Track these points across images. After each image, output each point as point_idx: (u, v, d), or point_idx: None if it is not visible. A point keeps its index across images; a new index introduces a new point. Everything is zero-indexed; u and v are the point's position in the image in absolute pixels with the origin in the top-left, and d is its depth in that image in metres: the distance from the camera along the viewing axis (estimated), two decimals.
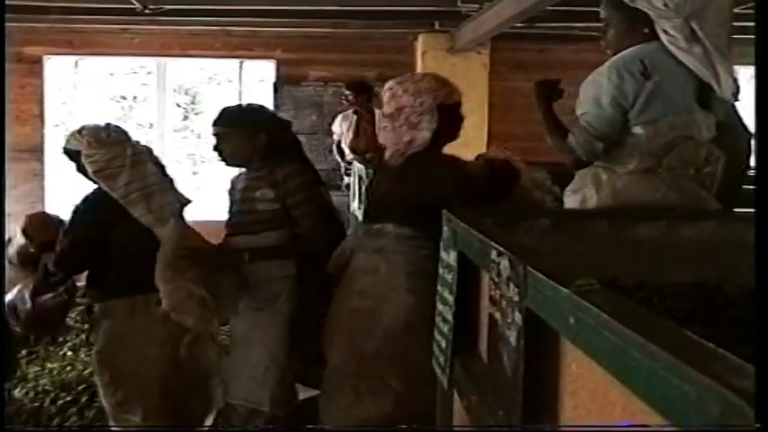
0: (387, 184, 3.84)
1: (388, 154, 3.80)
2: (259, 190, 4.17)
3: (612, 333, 1.19)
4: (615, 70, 3.40)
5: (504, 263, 1.82)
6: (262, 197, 4.16)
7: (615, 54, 3.49)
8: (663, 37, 3.40)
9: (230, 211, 4.35)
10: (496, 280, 1.89)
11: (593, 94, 3.45)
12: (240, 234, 4.24)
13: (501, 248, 1.88)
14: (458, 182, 3.66)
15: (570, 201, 3.60)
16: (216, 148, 4.26)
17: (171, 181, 4.41)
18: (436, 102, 3.78)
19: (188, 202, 4.40)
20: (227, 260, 4.18)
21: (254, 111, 4.36)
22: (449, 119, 3.83)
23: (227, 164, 4.31)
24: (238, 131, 4.21)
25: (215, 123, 4.25)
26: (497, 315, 1.86)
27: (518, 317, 1.69)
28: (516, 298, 1.71)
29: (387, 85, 3.87)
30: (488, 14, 8.25)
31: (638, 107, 3.38)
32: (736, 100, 3.53)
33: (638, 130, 3.43)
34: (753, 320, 2.27)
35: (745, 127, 3.78)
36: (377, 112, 4.12)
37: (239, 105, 4.43)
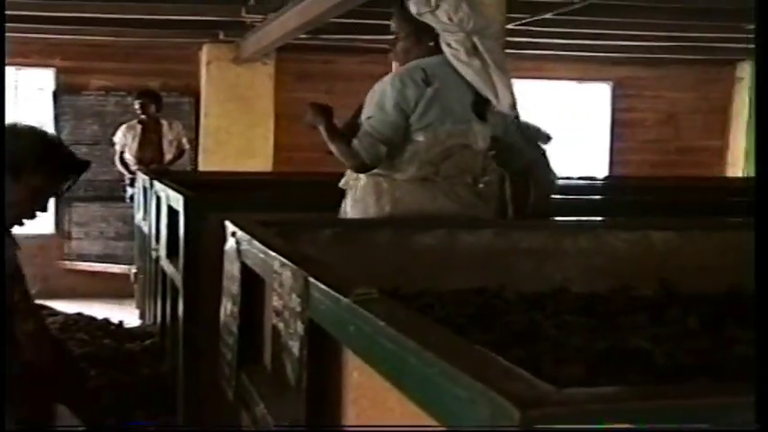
0: None
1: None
2: None
3: (390, 341, 1.21)
4: (398, 78, 3.52)
5: (287, 273, 1.82)
6: None
7: (403, 65, 3.60)
8: (446, 50, 3.54)
9: None
10: (279, 291, 1.89)
11: (377, 100, 3.54)
12: None
13: (283, 259, 1.88)
14: None
15: (353, 211, 3.65)
16: None
17: None
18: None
19: None
20: None
21: None
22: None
23: None
24: None
25: None
26: (281, 326, 1.86)
27: (300, 327, 1.69)
28: (299, 308, 1.71)
29: None
30: (273, 25, 8.25)
31: (418, 112, 3.49)
32: (514, 112, 3.67)
33: (418, 137, 3.52)
34: (529, 324, 2.36)
35: (521, 149, 3.92)
36: None
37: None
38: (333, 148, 3.66)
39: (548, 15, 7.68)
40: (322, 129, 3.69)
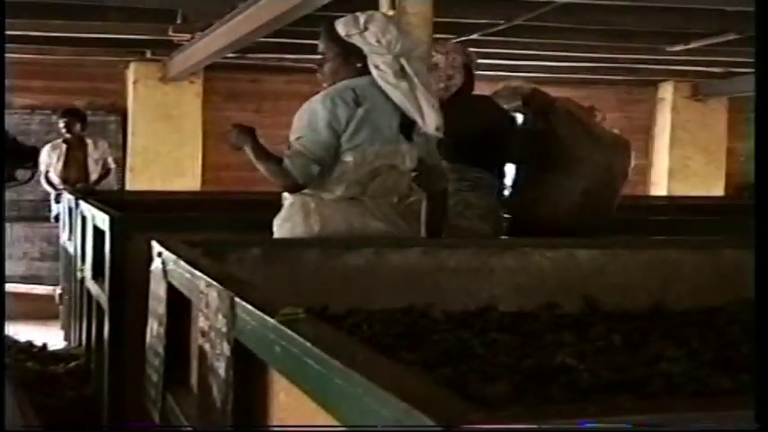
0: None
1: None
2: None
3: (316, 361, 1.21)
4: (329, 98, 3.53)
5: (213, 294, 1.81)
6: None
7: (331, 86, 3.61)
8: (374, 71, 3.56)
9: None
10: (206, 311, 1.87)
11: (307, 120, 3.55)
12: None
13: (209, 279, 1.87)
14: (497, 111, 4.52)
15: (281, 231, 3.64)
16: None
17: None
18: (464, 59, 4.50)
19: None
20: None
21: None
22: (469, 74, 4.51)
23: None
24: None
25: None
26: (207, 346, 1.85)
27: (226, 348, 1.68)
28: (225, 329, 1.70)
29: None
30: (201, 44, 8.22)
31: (349, 132, 3.50)
32: (441, 133, 3.69)
33: (346, 157, 3.53)
34: (456, 343, 2.37)
35: (443, 171, 3.96)
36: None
37: None
38: (262, 167, 3.65)
39: (474, 36, 7.75)
40: (248, 149, 3.68)
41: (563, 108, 4.74)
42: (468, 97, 4.59)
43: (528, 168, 4.65)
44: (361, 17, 3.58)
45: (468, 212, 4.34)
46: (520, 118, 4.60)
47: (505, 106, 4.65)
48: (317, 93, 3.65)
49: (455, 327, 2.58)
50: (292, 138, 3.58)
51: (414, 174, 3.71)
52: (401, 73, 3.55)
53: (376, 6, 4.31)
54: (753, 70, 10.86)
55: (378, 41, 3.53)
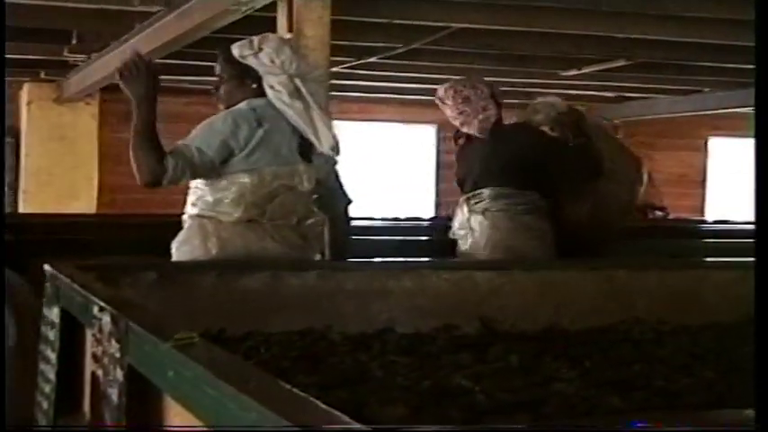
0: (477, 156, 4.61)
1: (476, 130, 4.58)
2: None
3: (209, 386, 1.20)
4: (231, 117, 3.54)
5: (106, 318, 1.78)
6: None
7: (228, 107, 3.61)
8: (269, 92, 3.57)
9: None
10: (99, 336, 1.84)
11: (204, 133, 3.55)
12: None
13: (102, 303, 1.84)
14: (536, 136, 4.67)
15: (179, 253, 3.61)
16: None
17: None
18: (490, 90, 4.65)
19: None
20: None
21: None
22: (497, 104, 4.65)
23: None
24: None
25: None
26: (100, 372, 1.81)
27: (119, 373, 1.65)
28: (118, 354, 1.68)
29: (444, 87, 4.67)
30: (96, 65, 8.10)
31: (246, 152, 3.50)
32: (337, 153, 3.70)
33: (243, 178, 3.52)
34: (354, 366, 2.37)
35: (344, 192, 3.98)
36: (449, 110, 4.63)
37: None
38: (137, 146, 3.57)
39: (372, 60, 7.79)
40: (139, 117, 3.61)
41: (594, 122, 5.00)
42: (508, 125, 4.83)
43: (574, 183, 4.69)
44: (256, 39, 3.59)
45: (527, 235, 4.48)
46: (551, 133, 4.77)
47: (540, 119, 4.80)
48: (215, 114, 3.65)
49: (353, 349, 2.59)
50: (183, 141, 3.55)
51: (315, 195, 3.71)
52: (296, 93, 3.57)
53: (274, 29, 4.32)
54: (643, 95, 11.12)
55: (272, 62, 3.54)
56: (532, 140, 4.65)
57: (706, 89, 10.13)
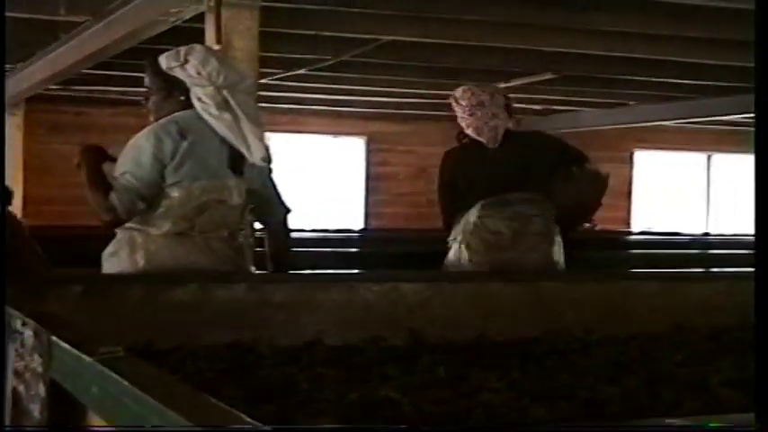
0: (496, 162, 4.61)
1: (485, 139, 4.63)
2: None
3: (133, 401, 1.19)
4: (153, 132, 3.50)
5: (28, 333, 1.76)
6: None
7: (157, 119, 3.58)
8: (196, 104, 3.54)
9: None
10: (21, 351, 1.81)
11: (133, 155, 3.50)
12: None
13: (25, 317, 1.81)
14: (555, 142, 4.95)
15: (107, 265, 3.57)
16: None
17: None
18: (504, 100, 4.73)
19: None
20: None
21: None
22: (509, 112, 4.74)
23: None
24: None
25: None
26: (21, 388, 1.78)
27: (42, 389, 1.63)
28: (40, 369, 1.65)
29: (462, 89, 4.71)
30: (21, 75, 7.99)
31: (173, 165, 3.47)
32: (268, 164, 3.68)
33: (172, 192, 3.49)
34: (282, 378, 2.36)
35: (282, 201, 3.94)
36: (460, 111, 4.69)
37: None
38: (89, 195, 3.57)
39: (301, 71, 7.79)
40: (84, 172, 3.60)
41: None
42: (524, 132, 5.14)
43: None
44: (183, 50, 3.56)
45: (557, 240, 4.68)
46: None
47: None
48: (145, 125, 3.61)
49: (281, 362, 2.58)
50: (117, 173, 3.52)
51: (250, 206, 3.69)
52: (224, 105, 3.54)
53: (202, 41, 4.30)
54: (569, 108, 11.26)
55: (198, 73, 3.51)
56: (549, 143, 4.91)
57: (631, 102, 10.30)
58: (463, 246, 4.57)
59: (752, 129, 12.83)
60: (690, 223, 12.92)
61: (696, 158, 13.88)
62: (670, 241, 8.65)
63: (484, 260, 4.53)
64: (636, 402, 2.18)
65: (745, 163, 13.86)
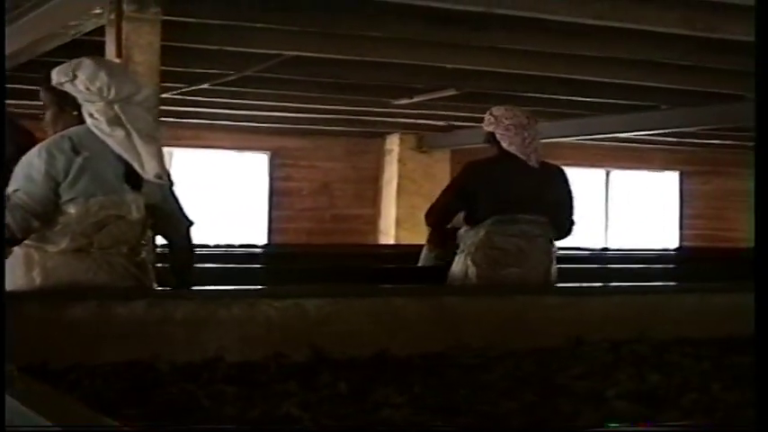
0: (530, 184, 4.84)
1: (527, 158, 4.82)
2: None
3: (25, 421, 1.16)
4: (45, 149, 3.44)
5: None
6: None
7: (52, 134, 3.52)
8: (88, 120, 3.49)
9: None
10: None
11: (24, 173, 3.43)
12: None
13: None
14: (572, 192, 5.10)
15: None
16: None
17: None
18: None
19: None
20: None
21: None
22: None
23: None
24: None
25: None
26: None
27: None
28: None
29: (504, 108, 4.93)
30: None
31: (68, 181, 3.41)
32: (163, 181, 3.63)
33: (69, 208, 3.43)
34: (182, 396, 2.34)
35: (184, 214, 3.89)
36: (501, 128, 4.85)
37: None
38: None
39: (204, 86, 7.74)
40: None
41: None
42: (552, 164, 5.14)
43: None
44: (72, 64, 3.50)
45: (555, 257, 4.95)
46: None
47: None
48: (41, 140, 3.55)
49: (181, 379, 2.55)
50: (10, 190, 3.45)
51: (150, 222, 3.65)
52: (116, 120, 3.47)
53: (103, 54, 4.24)
54: (472, 124, 11.39)
55: (87, 89, 3.45)
56: (569, 188, 5.10)
57: None
58: (469, 259, 4.75)
59: (648, 146, 13.14)
60: (588, 238, 13.15)
61: (595, 174, 14.13)
62: (569, 256, 8.78)
63: (489, 275, 4.74)
64: (534, 416, 2.21)
65: (642, 179, 14.19)
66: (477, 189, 4.85)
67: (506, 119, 4.84)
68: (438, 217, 4.99)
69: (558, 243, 5.02)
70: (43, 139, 3.56)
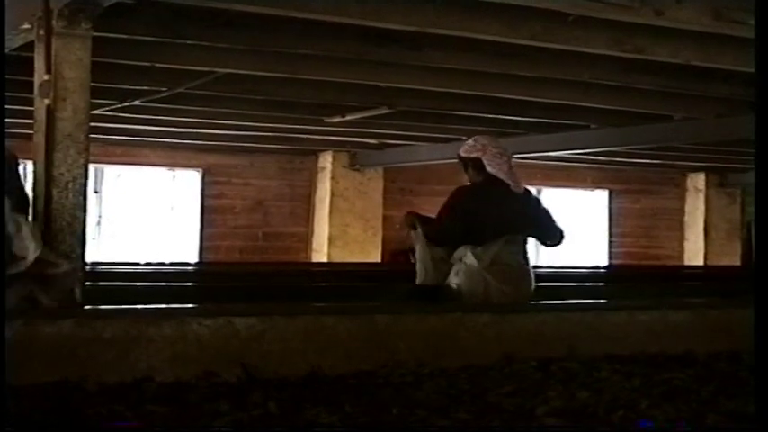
0: (516, 208, 5.19)
1: (514, 184, 5.18)
2: None
3: None
4: None
5: None
6: None
7: None
8: None
9: None
10: None
11: None
12: None
13: None
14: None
15: None
16: None
17: None
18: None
19: None
20: None
21: None
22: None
23: None
24: None
25: None
26: None
27: None
28: None
29: (487, 137, 5.42)
30: None
31: None
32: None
33: None
34: (109, 417, 2.31)
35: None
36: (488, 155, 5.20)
37: None
38: None
39: (136, 103, 7.65)
40: None
41: None
42: (528, 190, 5.52)
43: None
44: None
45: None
46: None
47: None
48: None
49: (109, 400, 2.52)
50: None
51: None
52: None
53: (32, 70, 4.18)
54: (404, 142, 11.38)
55: None
56: (546, 210, 5.48)
57: (464, 137, 10.48)
58: (486, 274, 4.98)
59: (578, 165, 13.28)
60: None
61: None
62: None
63: (510, 291, 5.02)
64: None
65: (572, 197, 14.33)
66: (478, 210, 5.11)
67: (493, 147, 5.21)
68: (447, 239, 5.20)
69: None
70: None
